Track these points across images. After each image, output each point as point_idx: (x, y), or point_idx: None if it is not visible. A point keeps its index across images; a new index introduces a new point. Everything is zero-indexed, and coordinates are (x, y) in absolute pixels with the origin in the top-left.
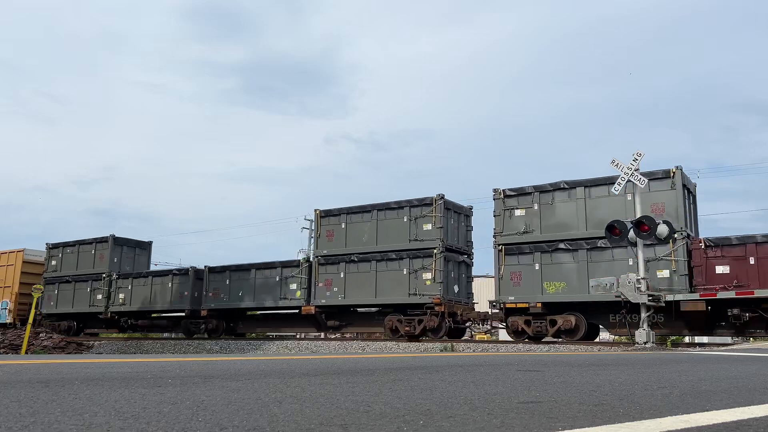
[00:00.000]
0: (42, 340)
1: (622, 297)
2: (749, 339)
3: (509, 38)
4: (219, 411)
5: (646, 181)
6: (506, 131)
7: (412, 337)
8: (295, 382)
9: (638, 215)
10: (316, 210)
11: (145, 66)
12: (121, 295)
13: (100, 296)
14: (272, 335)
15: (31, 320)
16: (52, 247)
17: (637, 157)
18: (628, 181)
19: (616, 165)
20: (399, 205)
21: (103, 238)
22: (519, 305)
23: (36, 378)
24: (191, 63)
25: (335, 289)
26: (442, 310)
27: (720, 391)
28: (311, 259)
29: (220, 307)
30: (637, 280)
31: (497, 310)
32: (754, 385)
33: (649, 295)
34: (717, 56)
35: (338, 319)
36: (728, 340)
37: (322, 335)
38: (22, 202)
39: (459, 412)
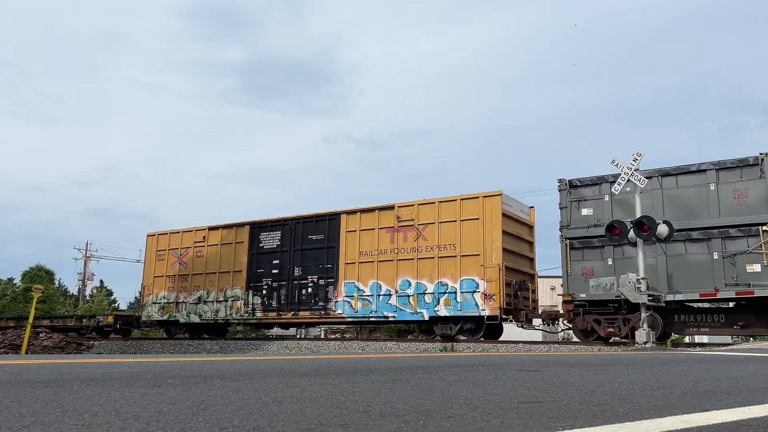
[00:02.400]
0: (42, 340)
1: (622, 297)
2: (749, 339)
3: (509, 38)
4: (219, 411)
5: (646, 181)
6: (506, 131)
7: None
8: (295, 382)
9: (638, 215)
10: None
11: (145, 66)
12: None
13: (756, 267)
14: (272, 335)
15: (31, 319)
16: (576, 185)
17: (637, 157)
18: (628, 180)
19: (616, 165)
20: None
21: (742, 160)
22: None
23: (36, 378)
24: (191, 63)
25: None
26: None
27: (720, 391)
28: None
29: None
30: (637, 280)
31: None
32: (754, 385)
33: (649, 295)
34: (717, 56)
35: None
36: (728, 339)
37: (322, 335)
38: (21, 202)
39: (459, 412)
